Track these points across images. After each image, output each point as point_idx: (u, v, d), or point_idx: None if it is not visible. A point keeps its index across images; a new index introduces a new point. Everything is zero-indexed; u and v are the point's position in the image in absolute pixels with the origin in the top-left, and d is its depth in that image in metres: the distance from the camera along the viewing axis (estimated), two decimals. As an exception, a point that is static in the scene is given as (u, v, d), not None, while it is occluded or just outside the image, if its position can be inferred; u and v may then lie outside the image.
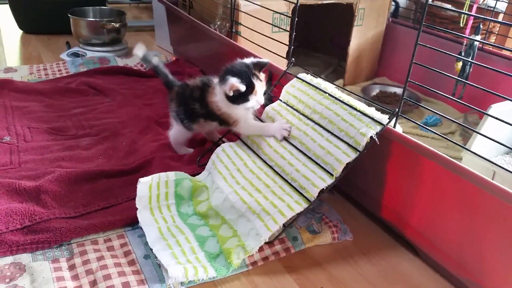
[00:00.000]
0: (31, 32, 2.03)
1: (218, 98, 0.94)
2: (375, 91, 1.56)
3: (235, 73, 0.90)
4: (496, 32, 1.69)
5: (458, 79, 0.82)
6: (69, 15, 1.76)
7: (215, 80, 0.96)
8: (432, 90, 0.80)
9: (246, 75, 0.90)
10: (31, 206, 0.84)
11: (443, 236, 0.78)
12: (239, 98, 0.91)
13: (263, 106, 0.99)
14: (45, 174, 0.94)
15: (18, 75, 1.50)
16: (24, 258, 0.76)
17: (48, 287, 0.70)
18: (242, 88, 0.88)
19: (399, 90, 1.54)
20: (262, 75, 0.93)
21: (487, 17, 0.78)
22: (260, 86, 0.92)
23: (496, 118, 0.71)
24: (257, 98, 0.92)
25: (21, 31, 2.04)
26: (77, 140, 1.13)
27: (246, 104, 0.92)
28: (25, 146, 1.07)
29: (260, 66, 0.93)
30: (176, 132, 1.07)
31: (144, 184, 0.87)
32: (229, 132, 1.06)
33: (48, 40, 1.95)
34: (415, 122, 0.85)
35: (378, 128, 0.81)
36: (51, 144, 1.09)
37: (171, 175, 0.89)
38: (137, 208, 0.85)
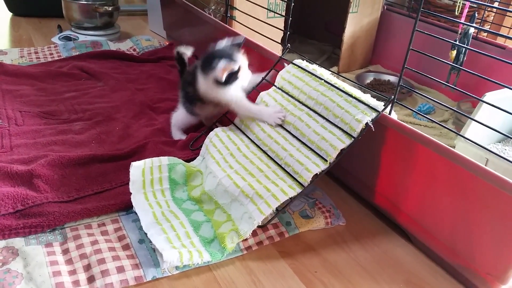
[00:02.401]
0: (21, 14, 1.99)
1: (204, 86, 0.96)
2: (369, 78, 1.56)
3: (220, 56, 0.90)
4: (491, 21, 1.70)
5: (453, 65, 0.82)
6: (60, -2, 1.72)
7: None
8: (426, 76, 0.80)
9: (231, 54, 0.91)
10: (24, 190, 0.83)
11: (436, 222, 0.79)
12: (230, 78, 0.92)
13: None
14: (38, 158, 0.93)
15: (9, 58, 1.47)
16: (17, 242, 0.76)
17: (42, 271, 0.70)
18: (236, 67, 0.89)
19: (393, 78, 1.54)
20: (241, 51, 0.95)
21: (483, 2, 0.78)
22: (245, 61, 0.94)
23: (491, 105, 0.71)
24: (245, 73, 0.94)
25: (10, 14, 2.00)
26: (69, 124, 1.11)
27: (238, 82, 0.93)
28: (16, 130, 1.05)
29: (237, 45, 0.95)
30: (178, 114, 1.09)
31: (137, 169, 0.87)
32: (224, 116, 1.06)
33: (39, 23, 1.92)
34: (410, 109, 0.85)
35: (374, 114, 0.81)
36: (43, 128, 1.08)
37: (164, 159, 0.89)
38: (131, 193, 0.85)
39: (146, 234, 0.78)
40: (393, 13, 1.68)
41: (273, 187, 0.81)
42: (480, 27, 0.87)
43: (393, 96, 0.81)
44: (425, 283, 0.78)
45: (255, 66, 0.99)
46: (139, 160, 0.89)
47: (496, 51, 1.37)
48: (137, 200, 0.84)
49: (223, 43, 0.96)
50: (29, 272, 0.70)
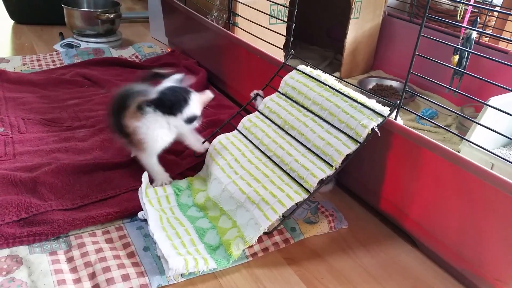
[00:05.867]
0: (23, 22, 1.99)
1: None
2: (372, 84, 1.56)
3: None
4: (492, 26, 1.70)
5: (457, 69, 0.82)
6: (62, 5, 1.73)
7: None
8: (432, 81, 0.80)
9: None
10: (27, 198, 0.83)
11: (443, 228, 0.78)
12: None
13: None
14: (41, 165, 0.92)
15: (11, 65, 1.48)
16: (21, 250, 0.75)
17: (47, 280, 0.69)
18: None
19: (395, 84, 1.54)
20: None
21: (485, 7, 0.79)
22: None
23: (497, 109, 0.71)
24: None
25: (12, 22, 2.00)
26: (72, 131, 1.11)
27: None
28: (19, 138, 1.05)
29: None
30: None
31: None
32: (228, 122, 1.05)
33: (40, 30, 1.92)
34: (415, 113, 0.85)
35: (380, 120, 0.81)
36: (46, 136, 1.08)
37: (169, 189, 0.90)
38: (135, 199, 0.85)
39: (152, 236, 0.77)
40: (395, 18, 1.68)
41: (279, 193, 0.80)
42: (483, 31, 0.87)
43: (399, 101, 0.81)
44: (432, 289, 0.78)
45: (258, 72, 0.98)
46: (142, 167, 0.88)
47: (498, 55, 1.37)
48: (144, 202, 0.84)
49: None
50: (33, 281, 0.69)
